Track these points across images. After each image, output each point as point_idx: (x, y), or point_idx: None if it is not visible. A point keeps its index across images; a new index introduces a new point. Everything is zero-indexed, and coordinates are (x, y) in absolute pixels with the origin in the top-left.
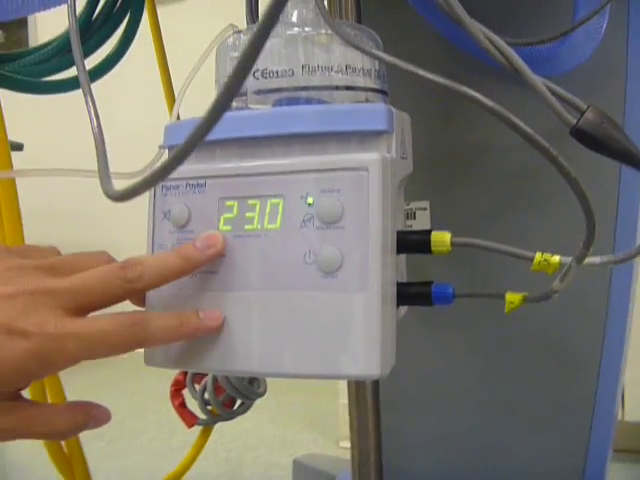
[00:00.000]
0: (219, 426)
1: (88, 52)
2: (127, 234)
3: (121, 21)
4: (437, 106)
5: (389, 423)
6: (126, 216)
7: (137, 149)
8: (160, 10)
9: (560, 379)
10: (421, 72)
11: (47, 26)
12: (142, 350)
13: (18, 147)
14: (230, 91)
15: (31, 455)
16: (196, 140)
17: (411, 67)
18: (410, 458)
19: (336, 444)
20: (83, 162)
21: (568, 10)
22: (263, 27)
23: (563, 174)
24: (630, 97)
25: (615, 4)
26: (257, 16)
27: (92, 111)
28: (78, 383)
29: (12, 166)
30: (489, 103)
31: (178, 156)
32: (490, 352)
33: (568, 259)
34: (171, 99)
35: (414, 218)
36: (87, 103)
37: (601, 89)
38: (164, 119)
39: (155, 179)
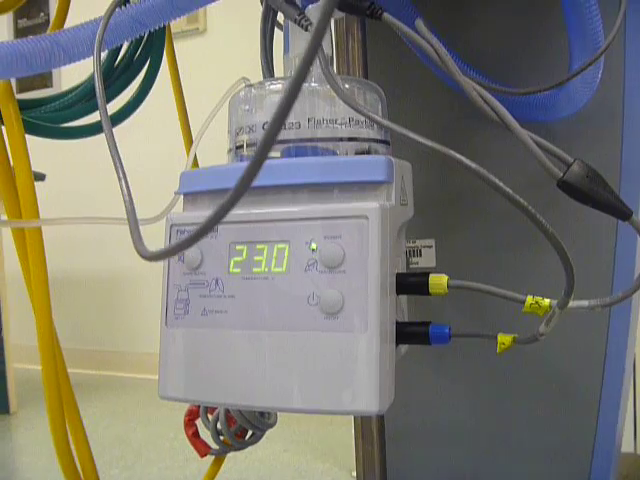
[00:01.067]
0: (233, 454)
1: (110, 98)
2: (141, 262)
3: (142, 68)
4: (448, 145)
5: (394, 456)
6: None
7: (153, 186)
8: (180, 44)
9: (561, 412)
10: (411, 135)
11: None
12: (157, 377)
13: (40, 177)
14: (265, 148)
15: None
16: (223, 213)
17: (401, 130)
18: None
19: (349, 474)
20: (103, 187)
21: (566, 60)
22: (296, 82)
23: (541, 229)
24: (627, 141)
25: (611, 55)
26: (272, 65)
27: (120, 171)
28: (94, 411)
29: (38, 211)
30: (472, 165)
31: (207, 226)
32: (492, 387)
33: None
34: (189, 144)
35: (420, 255)
36: (115, 163)
37: (598, 134)
38: (182, 160)
39: (185, 244)
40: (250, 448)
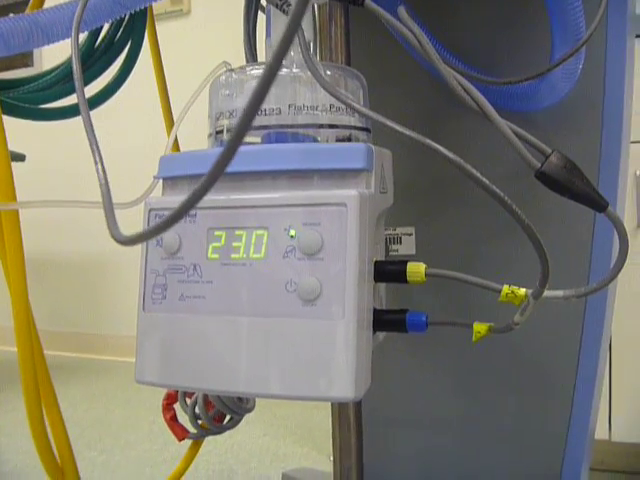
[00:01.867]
0: (211, 438)
1: (90, 79)
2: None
3: (122, 49)
4: (429, 136)
5: (372, 440)
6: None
7: (132, 170)
8: (164, 26)
9: (536, 396)
10: (389, 123)
11: None
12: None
13: (20, 158)
14: (239, 135)
15: (25, 460)
16: (197, 198)
17: (379, 117)
18: (391, 473)
19: (328, 458)
20: (83, 168)
21: (548, 50)
22: (271, 68)
23: (517, 220)
24: (606, 131)
25: (593, 46)
26: (255, 50)
27: (97, 154)
28: (73, 394)
29: (15, 195)
30: (449, 155)
31: (181, 210)
32: (470, 375)
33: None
34: (171, 127)
35: (400, 243)
36: (92, 146)
37: (579, 123)
38: (162, 141)
39: (160, 229)
40: (229, 432)
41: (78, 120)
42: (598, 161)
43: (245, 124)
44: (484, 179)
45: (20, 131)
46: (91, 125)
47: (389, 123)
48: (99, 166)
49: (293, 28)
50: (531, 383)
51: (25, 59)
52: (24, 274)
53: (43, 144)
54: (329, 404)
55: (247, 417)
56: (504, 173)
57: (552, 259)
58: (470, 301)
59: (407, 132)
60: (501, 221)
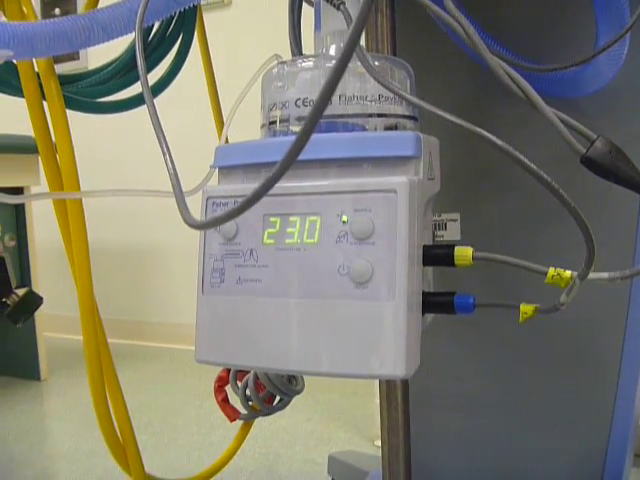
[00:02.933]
0: (258, 423)
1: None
2: (169, 234)
3: (174, 43)
4: (476, 122)
5: (418, 421)
6: (169, 217)
7: (185, 161)
8: (205, 17)
9: (580, 380)
10: (438, 112)
11: None
12: (184, 347)
13: None
14: (314, 119)
15: (77, 445)
16: (272, 182)
17: (429, 106)
18: (437, 454)
19: (371, 442)
20: (127, 158)
21: (592, 36)
22: (342, 60)
23: (563, 203)
24: None
25: (637, 31)
26: (300, 41)
27: (164, 145)
28: (122, 379)
29: (79, 184)
30: (497, 141)
31: (256, 195)
32: (513, 354)
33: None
34: (219, 117)
35: (445, 229)
36: (159, 138)
37: (625, 108)
38: (211, 134)
39: (233, 214)
40: (274, 417)
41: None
42: None
43: (317, 115)
44: (531, 164)
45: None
46: (157, 117)
47: (439, 112)
48: (167, 157)
49: (359, 28)
50: (575, 366)
51: (72, 54)
52: (89, 264)
53: (89, 134)
54: (373, 390)
55: (291, 403)
56: (548, 159)
57: (597, 242)
58: (515, 285)
59: (456, 120)
60: (546, 207)
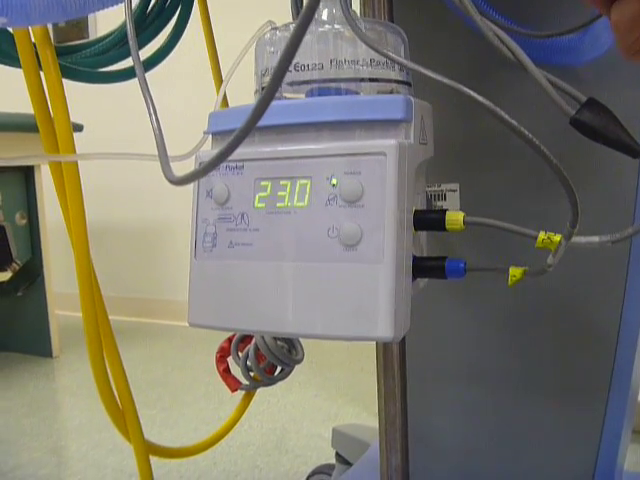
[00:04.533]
0: (265, 398)
1: (142, 44)
2: (179, 213)
3: (173, 14)
4: (466, 95)
5: (415, 390)
6: (178, 196)
7: (185, 130)
8: None
9: (579, 351)
10: (428, 73)
11: (105, 10)
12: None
13: (78, 128)
14: (274, 84)
15: (87, 419)
16: (246, 131)
17: (418, 67)
18: (433, 423)
19: (377, 417)
20: (139, 139)
21: None
22: (301, 26)
23: (546, 161)
24: None
25: None
26: (301, 6)
27: (150, 106)
28: (133, 356)
29: (75, 148)
30: (482, 100)
31: (229, 147)
32: (510, 323)
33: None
34: (219, 83)
35: (444, 199)
36: (145, 99)
37: (625, 75)
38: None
39: (209, 167)
40: (282, 393)
41: (135, 90)
42: None
43: (278, 77)
44: (513, 121)
45: (77, 102)
46: (145, 80)
47: (428, 72)
48: (153, 117)
49: None
50: (574, 337)
51: (81, 32)
52: (86, 237)
53: (100, 115)
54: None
55: (299, 379)
56: (548, 128)
57: (596, 210)
58: (509, 250)
59: (445, 80)
60: (546, 176)
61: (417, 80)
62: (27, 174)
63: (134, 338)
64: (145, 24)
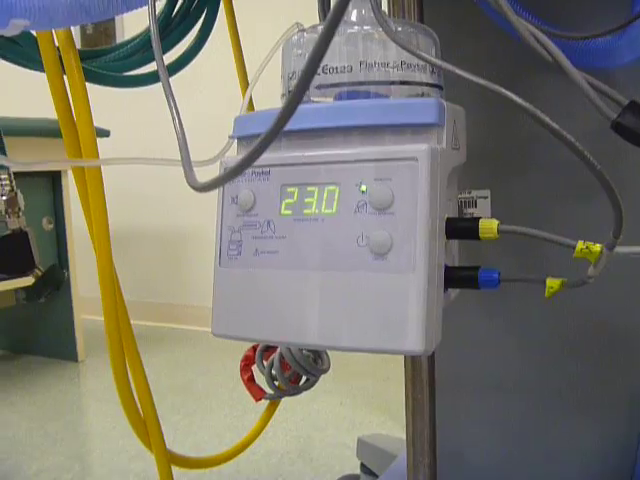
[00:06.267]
0: (290, 406)
1: (168, 48)
2: (204, 218)
3: (198, 18)
4: (498, 100)
5: (444, 404)
6: (204, 201)
7: (211, 134)
8: None
9: (613, 364)
10: (464, 74)
11: (132, 17)
12: None
13: (105, 134)
14: (301, 87)
15: (111, 425)
16: (271, 136)
17: (453, 68)
18: (463, 438)
19: (403, 428)
20: (165, 145)
21: (628, 3)
22: (329, 27)
23: (589, 167)
24: None
25: None
26: (329, 8)
27: (174, 109)
28: (158, 362)
29: (99, 154)
30: (523, 103)
31: (254, 152)
32: (543, 338)
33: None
34: (246, 87)
35: (475, 206)
36: (169, 102)
37: None
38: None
39: (232, 174)
40: (307, 400)
41: (160, 96)
42: None
43: (306, 80)
44: (554, 124)
45: (104, 108)
46: (169, 84)
47: (464, 74)
48: (176, 121)
49: None
50: (602, 348)
51: (109, 39)
52: (109, 242)
53: (126, 121)
54: (403, 375)
55: (324, 387)
56: (585, 131)
57: (634, 219)
58: (544, 261)
59: (482, 82)
60: (579, 182)
61: (447, 83)
62: (54, 179)
63: (159, 343)
64: (170, 27)
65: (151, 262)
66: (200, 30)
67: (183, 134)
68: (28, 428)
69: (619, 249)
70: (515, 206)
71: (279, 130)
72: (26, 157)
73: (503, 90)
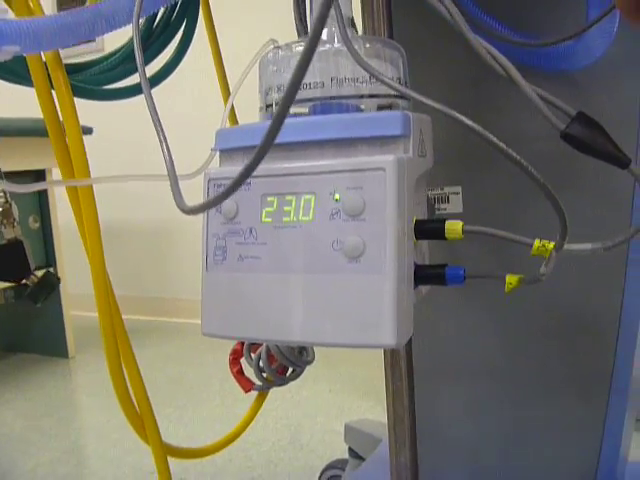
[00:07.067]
0: (280, 394)
1: (150, 59)
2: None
3: (178, 28)
4: (469, 100)
5: (422, 388)
6: (191, 195)
7: (192, 143)
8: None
9: (580, 349)
10: (418, 97)
11: None
12: None
13: (88, 131)
14: (280, 116)
15: (104, 419)
16: (253, 165)
17: (410, 92)
18: (441, 420)
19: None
20: (147, 139)
21: (583, 10)
22: (306, 52)
23: (534, 181)
24: None
25: None
26: (306, 22)
27: (160, 132)
28: (148, 355)
29: (89, 169)
30: (467, 122)
31: (240, 178)
32: (515, 325)
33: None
34: (227, 98)
35: (448, 202)
36: (157, 132)
37: (619, 80)
38: (218, 115)
39: (220, 199)
40: (296, 389)
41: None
42: (638, 117)
43: (288, 100)
44: (501, 143)
45: (86, 105)
46: (154, 105)
47: (416, 96)
48: (164, 145)
49: (325, 8)
50: (575, 335)
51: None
52: (100, 242)
53: (109, 117)
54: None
55: (312, 374)
56: (545, 133)
57: (592, 213)
58: (513, 253)
59: (434, 104)
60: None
61: (418, 80)
62: (38, 178)
63: (149, 337)
64: (151, 39)
65: (139, 256)
66: (180, 41)
67: (171, 158)
68: (23, 425)
69: (569, 246)
70: (486, 201)
71: (259, 161)
72: (10, 157)
73: (455, 114)
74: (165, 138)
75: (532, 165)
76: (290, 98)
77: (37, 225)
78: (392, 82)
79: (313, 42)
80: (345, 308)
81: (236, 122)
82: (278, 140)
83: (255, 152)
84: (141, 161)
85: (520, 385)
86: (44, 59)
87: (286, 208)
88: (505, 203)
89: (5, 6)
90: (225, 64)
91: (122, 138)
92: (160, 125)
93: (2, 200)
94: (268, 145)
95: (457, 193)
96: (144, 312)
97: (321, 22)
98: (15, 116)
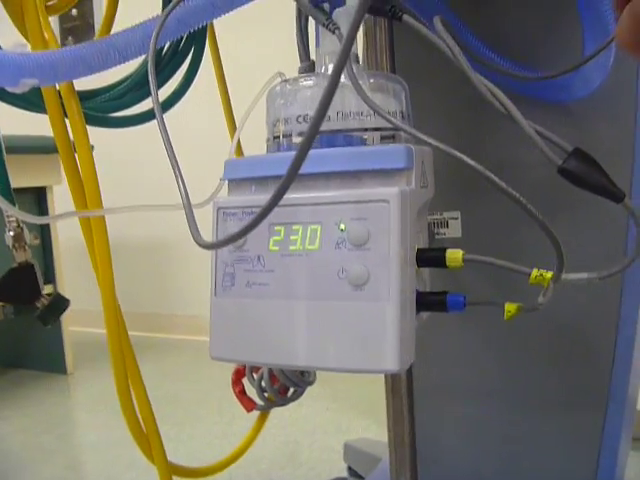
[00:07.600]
0: (279, 412)
1: (158, 87)
2: (186, 229)
3: (186, 56)
4: (469, 126)
5: (422, 410)
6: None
7: (198, 170)
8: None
9: (577, 367)
10: (420, 135)
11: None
12: (206, 339)
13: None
14: (301, 155)
15: (104, 434)
16: (273, 203)
17: (406, 127)
18: (442, 442)
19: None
20: (143, 159)
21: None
22: (327, 94)
23: (533, 217)
24: None
25: None
26: (308, 47)
27: (177, 172)
28: (145, 371)
29: (101, 201)
30: (470, 162)
31: (259, 217)
32: (512, 345)
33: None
34: (232, 127)
35: (447, 227)
36: (173, 166)
37: (614, 111)
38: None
39: (240, 234)
40: (294, 407)
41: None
42: (633, 147)
43: (312, 134)
44: (502, 183)
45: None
46: (168, 137)
47: (419, 134)
48: (179, 180)
49: (345, 52)
50: (572, 353)
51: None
52: (110, 262)
53: (108, 135)
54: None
55: (311, 392)
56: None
57: (587, 242)
58: (510, 279)
59: (435, 143)
60: (537, 206)
61: (420, 109)
62: (39, 195)
63: (145, 353)
64: (160, 67)
65: (136, 272)
66: (188, 68)
67: (187, 193)
68: (22, 441)
69: (565, 276)
70: (485, 226)
71: (276, 201)
72: (11, 175)
73: (456, 153)
74: (180, 173)
75: (530, 192)
76: (312, 136)
77: (37, 242)
78: (392, 118)
79: (331, 88)
80: (349, 334)
81: (241, 152)
82: (283, 172)
83: (280, 183)
84: (138, 180)
85: (519, 405)
86: (57, 88)
87: (293, 237)
88: (503, 227)
89: (24, 41)
90: (234, 78)
91: (119, 158)
92: (175, 159)
93: (14, 224)
94: (292, 177)
95: (456, 218)
96: (140, 328)
97: (338, 74)
98: (13, 133)
